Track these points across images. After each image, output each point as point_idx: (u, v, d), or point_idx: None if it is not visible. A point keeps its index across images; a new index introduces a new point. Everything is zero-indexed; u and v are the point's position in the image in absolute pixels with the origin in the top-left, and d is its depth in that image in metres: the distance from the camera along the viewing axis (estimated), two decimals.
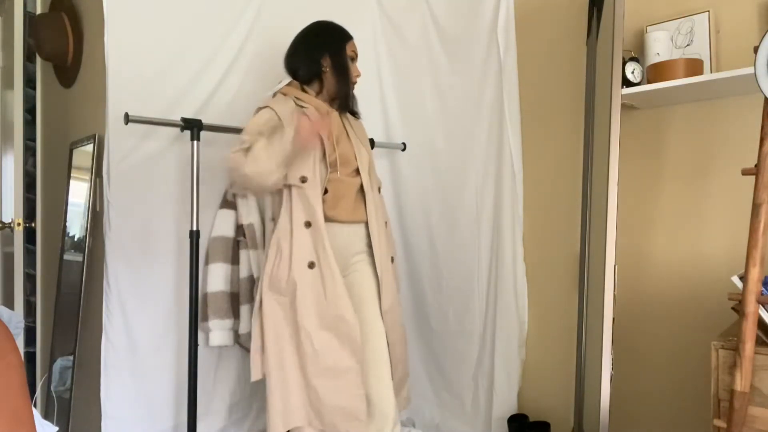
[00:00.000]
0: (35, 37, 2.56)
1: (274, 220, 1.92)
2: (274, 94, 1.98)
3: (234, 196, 2.23)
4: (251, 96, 2.26)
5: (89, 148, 2.29)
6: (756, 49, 1.39)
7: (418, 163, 2.68)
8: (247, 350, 2.27)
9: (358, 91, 2.09)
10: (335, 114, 1.98)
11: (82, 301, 2.22)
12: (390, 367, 1.94)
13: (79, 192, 2.39)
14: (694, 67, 1.84)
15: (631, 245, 2.12)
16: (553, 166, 2.36)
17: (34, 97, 2.97)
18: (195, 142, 2.01)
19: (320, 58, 1.95)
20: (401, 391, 2.07)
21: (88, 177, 2.28)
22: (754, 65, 1.39)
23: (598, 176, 1.96)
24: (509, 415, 2.37)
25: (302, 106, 1.91)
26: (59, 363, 2.40)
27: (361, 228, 2.00)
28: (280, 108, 1.87)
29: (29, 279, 2.91)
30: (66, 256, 2.45)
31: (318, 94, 1.98)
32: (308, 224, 1.85)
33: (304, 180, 1.84)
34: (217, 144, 2.21)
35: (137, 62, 2.06)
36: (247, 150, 1.75)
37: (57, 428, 1.12)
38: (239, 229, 2.23)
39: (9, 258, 2.77)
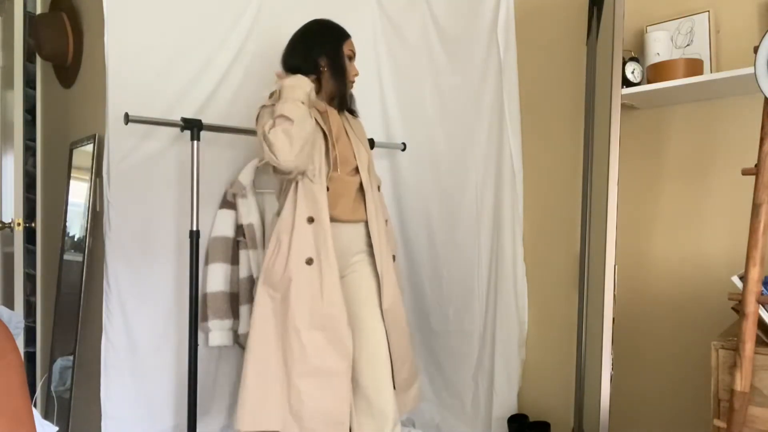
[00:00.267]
0: (35, 37, 2.56)
1: (279, 214, 1.92)
2: (272, 94, 1.98)
3: (234, 196, 2.23)
4: (251, 96, 2.26)
5: (89, 148, 2.29)
6: (756, 49, 1.39)
7: (418, 163, 2.68)
8: None
9: (357, 90, 2.09)
10: (334, 112, 1.98)
11: (82, 301, 2.22)
12: (390, 366, 1.94)
13: (79, 192, 2.39)
14: (694, 67, 1.84)
15: (631, 245, 2.12)
16: (553, 166, 2.36)
17: (34, 97, 2.97)
18: (195, 142, 2.01)
19: (317, 57, 1.95)
20: (409, 390, 2.05)
21: (88, 177, 2.28)
22: (754, 65, 1.39)
23: (598, 176, 1.96)
24: (509, 415, 2.37)
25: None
26: (59, 363, 2.40)
27: (361, 227, 2.00)
28: None
29: (29, 279, 2.91)
30: (66, 256, 2.45)
31: (317, 93, 1.97)
32: (311, 220, 1.84)
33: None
34: (217, 144, 2.21)
35: (137, 62, 2.06)
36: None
37: (57, 428, 1.12)
38: (239, 229, 2.23)
39: (9, 258, 2.77)
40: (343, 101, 2.00)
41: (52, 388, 2.42)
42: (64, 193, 2.50)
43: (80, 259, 2.27)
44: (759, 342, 1.43)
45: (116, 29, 2.01)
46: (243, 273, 2.21)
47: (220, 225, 2.21)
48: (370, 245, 2.01)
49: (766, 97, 1.40)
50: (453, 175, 2.58)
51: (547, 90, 2.37)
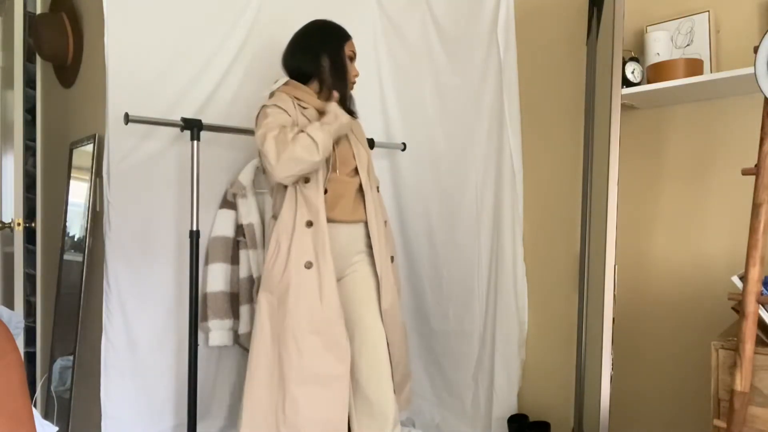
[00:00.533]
0: (35, 37, 2.56)
1: (275, 217, 1.92)
2: (272, 94, 1.98)
3: (234, 196, 2.23)
4: (251, 96, 2.26)
5: (89, 148, 2.29)
6: (756, 49, 1.39)
7: (418, 163, 2.68)
8: (247, 350, 2.27)
9: (357, 91, 2.09)
10: None
11: (82, 301, 2.22)
12: (390, 367, 1.94)
13: (79, 192, 2.39)
14: (694, 67, 1.84)
15: (631, 245, 2.12)
16: (553, 165, 2.36)
17: (34, 97, 2.97)
18: (195, 142, 2.01)
19: (318, 57, 1.95)
20: (402, 392, 2.06)
21: (88, 177, 2.28)
22: (754, 65, 1.39)
23: (598, 176, 1.96)
24: (509, 415, 2.37)
25: (302, 106, 1.91)
26: (59, 363, 2.40)
27: (361, 228, 2.00)
28: (285, 105, 1.87)
29: (29, 279, 2.91)
30: (66, 256, 2.45)
31: (318, 93, 1.97)
32: (309, 224, 1.84)
33: (306, 180, 1.84)
34: (217, 144, 2.21)
35: (137, 62, 2.06)
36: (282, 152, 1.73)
37: (57, 428, 1.12)
38: (239, 229, 2.23)
39: (9, 258, 2.77)
40: (343, 102, 2.00)
41: (52, 388, 2.42)
42: (64, 193, 2.50)
43: (80, 259, 2.27)
44: (759, 342, 1.43)
45: (116, 29, 2.01)
46: (243, 273, 2.21)
47: (220, 225, 2.21)
48: (369, 246, 2.01)
49: (766, 97, 1.40)
50: (453, 175, 2.58)
51: (547, 90, 2.37)
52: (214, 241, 2.20)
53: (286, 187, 1.86)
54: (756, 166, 1.42)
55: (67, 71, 2.58)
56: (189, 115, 2.12)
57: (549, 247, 2.37)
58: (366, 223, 1.99)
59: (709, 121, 1.96)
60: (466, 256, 2.53)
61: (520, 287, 2.42)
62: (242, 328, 2.19)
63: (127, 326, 2.04)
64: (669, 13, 2.02)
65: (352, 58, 2.01)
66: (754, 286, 1.40)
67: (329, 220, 1.88)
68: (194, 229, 2.02)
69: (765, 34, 1.38)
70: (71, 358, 2.28)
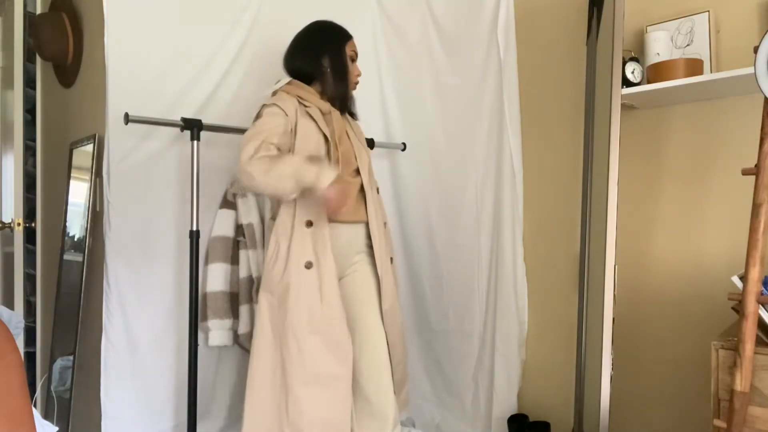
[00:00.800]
0: (35, 37, 2.56)
1: (274, 218, 1.91)
2: (274, 93, 1.98)
3: (234, 196, 2.23)
4: (251, 96, 2.26)
5: (89, 148, 2.29)
6: (756, 49, 1.39)
7: (418, 163, 2.68)
8: (247, 350, 2.27)
9: (357, 91, 2.09)
10: (337, 114, 1.98)
11: (82, 301, 2.22)
12: (391, 367, 1.94)
13: (79, 192, 2.39)
14: (694, 67, 1.84)
15: (631, 245, 2.12)
16: (553, 166, 2.36)
17: (34, 97, 2.97)
18: (195, 142, 2.01)
19: (320, 58, 1.95)
20: (400, 393, 2.06)
21: (88, 177, 2.28)
22: (754, 65, 1.39)
23: (598, 176, 1.96)
24: (509, 415, 2.37)
25: (306, 105, 1.91)
26: (59, 363, 2.40)
27: (362, 228, 2.00)
28: (284, 105, 1.86)
29: (29, 279, 2.92)
30: (66, 256, 2.45)
31: (320, 94, 1.97)
32: (309, 223, 1.84)
33: None
34: (217, 144, 2.21)
35: (137, 62, 2.06)
36: (262, 157, 1.73)
37: (57, 428, 1.12)
38: (239, 229, 2.23)
39: (9, 258, 2.77)
40: (345, 103, 2.00)
41: (52, 388, 2.42)
42: (64, 193, 2.50)
43: (80, 259, 2.27)
44: (759, 342, 1.43)
45: (116, 29, 2.01)
46: (243, 273, 2.21)
47: (220, 225, 2.21)
48: (370, 246, 2.01)
49: (766, 97, 1.40)
50: (453, 175, 2.58)
51: (547, 90, 2.37)
52: (214, 241, 2.20)
53: None
54: (756, 166, 1.42)
55: (67, 71, 2.58)
56: (189, 115, 2.12)
57: (549, 247, 2.37)
58: (367, 224, 1.99)
59: (709, 121, 1.96)
60: (466, 256, 2.53)
61: (520, 287, 2.42)
62: (242, 328, 2.19)
63: (127, 326, 2.04)
64: (669, 13, 2.02)
65: (354, 59, 2.01)
66: (754, 286, 1.40)
67: (330, 220, 1.88)
68: (194, 229, 2.02)
69: (765, 34, 1.38)
70: (71, 358, 2.28)
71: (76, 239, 2.37)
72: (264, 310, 1.84)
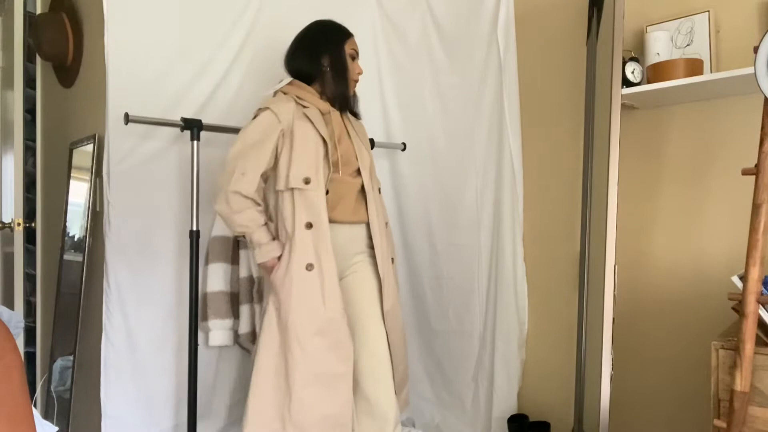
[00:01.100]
0: (35, 37, 2.56)
1: (271, 220, 1.92)
2: (275, 94, 1.98)
3: None
4: (251, 96, 2.26)
5: (89, 148, 2.29)
6: (756, 49, 1.39)
7: (418, 163, 2.68)
8: (247, 350, 2.28)
9: (358, 90, 2.09)
10: (336, 114, 1.98)
11: (82, 301, 2.22)
12: (391, 368, 1.94)
13: (79, 192, 2.39)
14: (694, 67, 1.84)
15: (631, 245, 2.12)
16: (553, 166, 2.36)
17: (34, 97, 2.97)
18: (195, 142, 2.01)
19: (320, 58, 1.95)
20: (401, 393, 2.06)
21: (88, 177, 2.28)
22: (754, 65, 1.39)
23: (598, 176, 1.96)
24: (509, 415, 2.37)
25: (304, 106, 1.91)
26: (59, 363, 2.40)
27: (363, 228, 2.00)
28: (279, 108, 1.86)
29: (29, 279, 2.92)
30: (66, 256, 2.45)
31: (321, 93, 1.97)
32: (309, 225, 1.84)
33: (307, 181, 1.83)
34: (217, 144, 2.21)
35: (137, 62, 2.06)
36: (247, 199, 1.83)
37: (57, 428, 1.12)
38: None
39: (9, 258, 2.77)
40: (344, 102, 1.99)
41: (52, 388, 2.42)
42: (64, 193, 2.50)
43: (80, 259, 2.27)
44: (759, 342, 1.43)
45: (116, 29, 2.01)
46: (243, 273, 2.21)
47: (220, 225, 2.21)
48: (371, 246, 2.01)
49: (766, 97, 1.40)
50: (453, 175, 2.58)
51: (547, 90, 2.37)
52: (214, 241, 2.20)
53: (282, 190, 1.86)
54: (756, 166, 1.42)
55: (67, 71, 2.58)
56: (189, 115, 2.12)
57: (549, 247, 2.37)
58: (368, 224, 1.99)
59: (709, 121, 1.96)
60: (466, 256, 2.53)
61: (520, 287, 2.42)
62: (242, 328, 2.19)
63: (127, 326, 2.03)
64: (669, 13, 2.02)
65: (354, 57, 2.00)
66: (754, 286, 1.40)
67: (331, 221, 1.87)
68: (194, 228, 2.02)
69: (765, 34, 1.38)
70: (71, 358, 2.28)
71: (76, 239, 2.37)
72: (270, 312, 1.85)
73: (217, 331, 2.16)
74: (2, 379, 0.86)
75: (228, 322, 2.19)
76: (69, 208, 2.47)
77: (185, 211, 2.09)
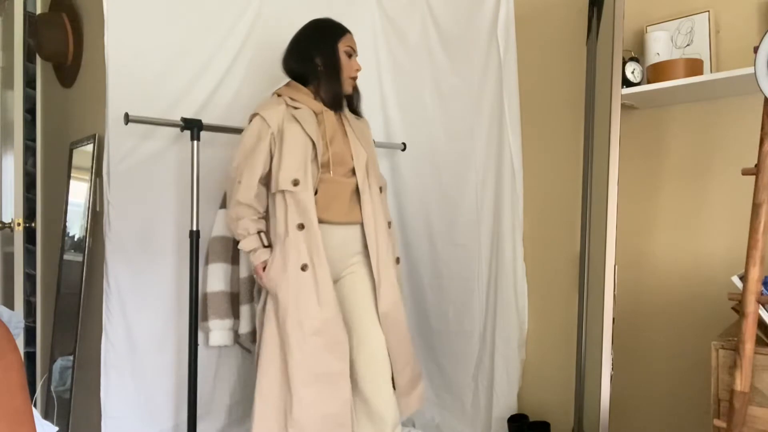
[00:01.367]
0: (35, 37, 2.56)
1: (268, 220, 1.92)
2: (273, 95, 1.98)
3: None
4: (251, 96, 2.26)
5: (89, 148, 2.29)
6: (756, 49, 1.39)
7: (418, 163, 2.68)
8: (247, 350, 2.28)
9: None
10: (330, 113, 1.97)
11: (82, 301, 2.22)
12: (389, 369, 1.93)
13: (79, 192, 2.39)
14: (694, 67, 1.84)
15: (631, 245, 2.12)
16: (553, 166, 2.36)
17: (34, 97, 2.98)
18: (195, 142, 2.01)
19: (312, 59, 1.94)
20: (413, 392, 2.04)
21: (88, 177, 2.28)
22: (754, 65, 1.39)
23: (598, 176, 1.96)
24: (509, 415, 2.37)
25: (295, 107, 1.91)
26: (59, 363, 2.40)
27: (357, 229, 1.99)
28: (268, 113, 1.87)
29: (29, 279, 2.92)
30: (66, 256, 2.45)
31: (315, 94, 1.97)
32: (301, 226, 1.84)
33: (296, 183, 1.83)
34: (217, 144, 2.21)
35: (137, 62, 2.06)
36: (251, 208, 1.89)
37: (57, 428, 1.12)
38: None
39: (9, 258, 2.78)
40: (337, 101, 1.97)
41: (52, 388, 2.42)
42: (64, 193, 2.50)
43: (80, 259, 2.27)
44: (759, 342, 1.43)
45: (116, 29, 2.01)
46: (243, 273, 2.21)
47: (220, 225, 2.21)
48: (367, 247, 2.00)
49: (766, 97, 1.40)
50: (453, 175, 2.58)
51: (547, 90, 2.37)
52: (214, 241, 2.20)
53: (275, 193, 1.87)
54: (756, 166, 1.42)
55: (67, 71, 2.58)
56: (189, 115, 2.12)
57: (549, 247, 2.37)
58: (362, 225, 1.99)
59: (709, 121, 1.96)
60: (466, 256, 2.53)
61: (520, 287, 2.42)
62: (242, 328, 2.19)
63: (127, 326, 2.04)
64: (669, 13, 2.02)
65: (351, 54, 1.98)
66: (754, 286, 1.40)
67: (322, 222, 1.87)
68: (194, 229, 2.02)
69: (765, 34, 1.39)
70: (71, 358, 2.28)
71: (76, 239, 2.37)
72: (270, 313, 1.85)
73: (217, 331, 2.16)
74: (2, 379, 0.86)
75: (228, 322, 2.19)
76: (69, 208, 2.47)
77: (185, 211, 2.09)
